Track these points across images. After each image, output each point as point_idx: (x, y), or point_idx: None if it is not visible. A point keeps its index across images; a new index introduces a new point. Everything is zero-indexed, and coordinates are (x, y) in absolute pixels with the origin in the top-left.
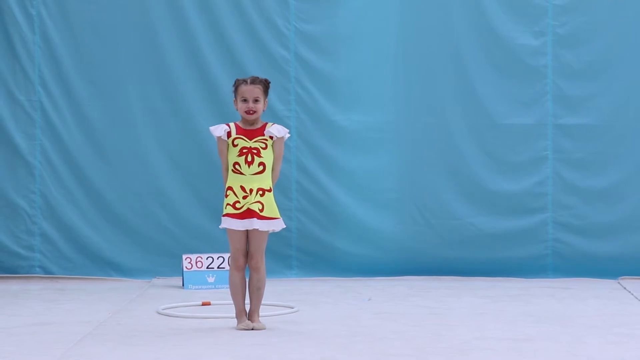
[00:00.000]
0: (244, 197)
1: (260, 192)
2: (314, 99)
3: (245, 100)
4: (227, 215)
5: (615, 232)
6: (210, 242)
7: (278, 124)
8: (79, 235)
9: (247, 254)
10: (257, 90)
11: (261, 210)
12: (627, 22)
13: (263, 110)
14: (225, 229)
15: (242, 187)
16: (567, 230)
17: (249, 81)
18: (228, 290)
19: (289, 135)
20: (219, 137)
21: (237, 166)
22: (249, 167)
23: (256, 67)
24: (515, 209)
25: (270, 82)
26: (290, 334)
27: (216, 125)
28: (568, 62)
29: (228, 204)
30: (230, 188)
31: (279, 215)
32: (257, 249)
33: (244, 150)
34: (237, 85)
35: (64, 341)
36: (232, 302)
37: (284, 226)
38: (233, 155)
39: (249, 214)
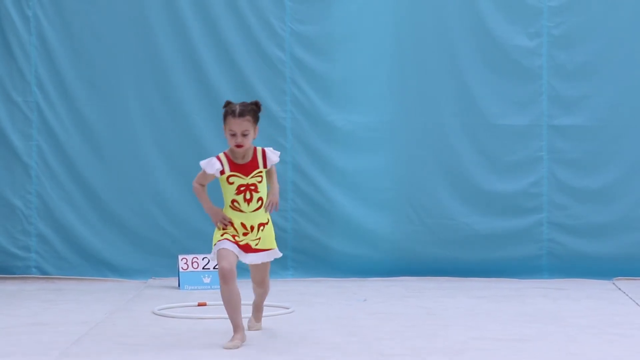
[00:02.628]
0: (245, 234)
1: (262, 228)
2: (310, 100)
3: (233, 135)
4: (225, 239)
5: (610, 232)
6: (207, 243)
7: (272, 126)
8: (76, 235)
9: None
10: (245, 124)
11: (260, 244)
12: (621, 23)
13: (254, 138)
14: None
15: (242, 224)
16: (562, 231)
17: (237, 113)
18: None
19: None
20: (207, 172)
21: (235, 204)
22: (248, 204)
23: (252, 67)
24: (510, 209)
25: (261, 105)
26: (285, 334)
27: (207, 160)
28: (563, 63)
29: (226, 233)
30: (231, 223)
31: (275, 245)
32: (264, 276)
33: (242, 189)
34: (225, 114)
35: (61, 341)
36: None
37: (279, 255)
38: (230, 193)
39: (246, 248)
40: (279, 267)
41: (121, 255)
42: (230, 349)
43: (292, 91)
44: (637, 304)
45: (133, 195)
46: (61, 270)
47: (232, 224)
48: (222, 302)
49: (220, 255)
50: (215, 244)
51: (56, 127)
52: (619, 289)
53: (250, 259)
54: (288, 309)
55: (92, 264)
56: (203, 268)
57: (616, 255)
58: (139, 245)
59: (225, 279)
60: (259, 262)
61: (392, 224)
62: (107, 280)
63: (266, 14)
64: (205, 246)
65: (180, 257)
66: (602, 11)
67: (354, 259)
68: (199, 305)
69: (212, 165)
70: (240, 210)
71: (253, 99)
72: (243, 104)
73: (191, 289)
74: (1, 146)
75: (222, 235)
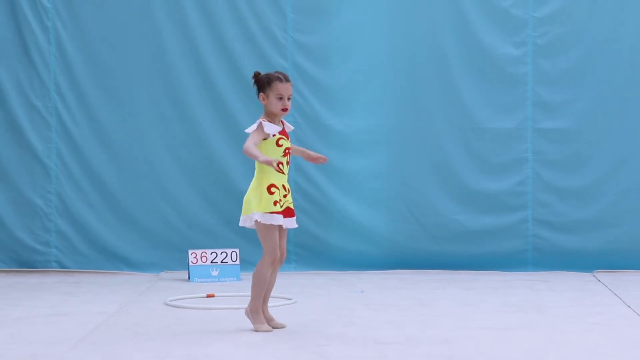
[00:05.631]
0: (284, 196)
1: (289, 189)
2: (310, 105)
3: (281, 98)
4: (274, 212)
5: (591, 228)
6: (214, 238)
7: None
8: (92, 232)
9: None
10: (290, 88)
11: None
12: (601, 34)
13: None
14: (252, 225)
15: (283, 186)
16: (545, 227)
17: (283, 78)
18: (231, 282)
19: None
20: (268, 134)
21: (280, 165)
22: (287, 166)
23: None
24: (498, 207)
25: None
26: (288, 323)
27: (266, 122)
28: (547, 71)
29: (276, 202)
30: (274, 185)
31: None
32: (285, 244)
33: (287, 151)
34: (269, 80)
35: (79, 330)
36: (243, 294)
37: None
38: (277, 155)
39: (287, 212)
40: None
41: (135, 250)
42: (267, 331)
43: (294, 97)
44: (615, 295)
45: (146, 195)
46: (79, 264)
47: (276, 187)
48: (228, 294)
49: (274, 241)
50: (267, 212)
51: (74, 131)
52: (599, 281)
53: (288, 223)
54: (290, 299)
55: (108, 258)
56: (211, 262)
57: (596, 250)
58: (152, 240)
59: (274, 263)
60: (294, 226)
61: (387, 221)
62: (121, 273)
63: (270, 24)
64: (213, 241)
65: (190, 251)
66: (583, 22)
67: (352, 253)
68: (208, 296)
69: (270, 127)
70: (282, 172)
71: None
72: (284, 73)
73: (200, 282)
74: (22, 148)
75: (274, 203)
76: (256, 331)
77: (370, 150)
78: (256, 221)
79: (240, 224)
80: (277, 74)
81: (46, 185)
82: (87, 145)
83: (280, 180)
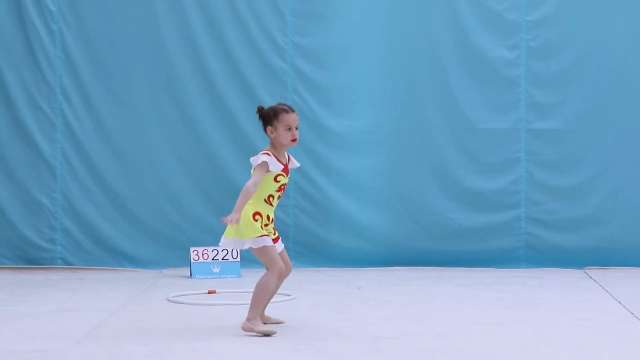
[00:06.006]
0: (266, 225)
1: (273, 219)
2: (310, 106)
3: (289, 129)
4: (264, 235)
5: (582, 226)
6: (216, 236)
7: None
8: (97, 230)
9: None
10: (297, 118)
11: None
12: (592, 37)
13: None
14: (251, 249)
15: (267, 216)
16: (538, 225)
17: (289, 109)
18: (232, 279)
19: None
20: (270, 170)
21: (271, 199)
22: (277, 200)
23: (257, 77)
24: (492, 205)
25: None
26: (287, 319)
27: (273, 159)
28: (539, 73)
29: (265, 228)
30: (259, 214)
31: None
32: (287, 257)
33: (282, 187)
34: (275, 113)
35: (83, 325)
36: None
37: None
38: (271, 189)
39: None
40: None
41: (138, 247)
42: (270, 333)
43: (293, 98)
44: (606, 291)
45: (148, 194)
46: (84, 261)
47: (260, 215)
48: (229, 290)
49: (273, 254)
50: (258, 236)
51: (79, 132)
52: (590, 277)
53: (282, 245)
54: (290, 296)
55: (112, 256)
56: (212, 259)
57: (587, 247)
58: (154, 238)
59: (280, 276)
60: (282, 248)
61: (384, 219)
62: (125, 270)
63: (270, 28)
64: (214, 239)
65: (191, 249)
66: (574, 26)
67: (350, 251)
68: (209, 292)
69: (275, 165)
70: (271, 205)
71: (257, 105)
72: (288, 104)
73: (202, 278)
74: (29, 149)
75: (261, 227)
76: (261, 334)
77: (368, 151)
78: (251, 248)
79: (224, 247)
80: (282, 106)
81: (52, 185)
82: (91, 146)
83: (266, 210)
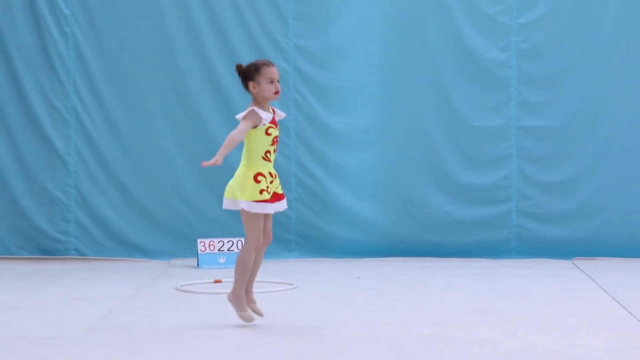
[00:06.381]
0: (271, 182)
1: (276, 174)
2: (310, 105)
3: (272, 81)
4: (263, 201)
5: (570, 219)
6: (221, 228)
7: (279, 125)
8: (108, 222)
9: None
10: (278, 72)
11: (279, 189)
12: (581, 38)
13: None
14: (237, 212)
15: (270, 173)
16: (528, 218)
17: (269, 63)
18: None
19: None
20: (259, 120)
21: (267, 154)
22: (274, 154)
23: None
24: (484, 199)
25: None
26: (289, 307)
27: (259, 110)
28: (530, 73)
29: (263, 190)
30: (261, 174)
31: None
32: (271, 227)
33: (275, 140)
34: (256, 68)
35: (96, 313)
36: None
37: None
38: (266, 144)
39: (276, 197)
40: (284, 249)
41: (148, 239)
42: (250, 321)
43: (295, 97)
44: (593, 280)
45: (158, 188)
46: (96, 252)
47: (263, 175)
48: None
49: (257, 228)
50: (255, 200)
51: (91, 129)
52: (578, 267)
53: (278, 207)
54: (292, 285)
55: (123, 247)
56: (219, 250)
57: (575, 239)
58: (163, 230)
59: (258, 249)
60: (284, 208)
61: (381, 212)
62: (135, 260)
63: (272, 30)
64: (220, 231)
65: (199, 240)
66: (563, 28)
67: (349, 242)
68: (215, 282)
69: (264, 113)
70: (269, 160)
71: (236, 64)
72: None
73: (208, 268)
74: (44, 146)
75: (261, 192)
76: (240, 318)
77: (366, 147)
78: (242, 209)
79: (225, 207)
80: (262, 61)
81: (66, 180)
82: (103, 143)
83: (267, 168)
